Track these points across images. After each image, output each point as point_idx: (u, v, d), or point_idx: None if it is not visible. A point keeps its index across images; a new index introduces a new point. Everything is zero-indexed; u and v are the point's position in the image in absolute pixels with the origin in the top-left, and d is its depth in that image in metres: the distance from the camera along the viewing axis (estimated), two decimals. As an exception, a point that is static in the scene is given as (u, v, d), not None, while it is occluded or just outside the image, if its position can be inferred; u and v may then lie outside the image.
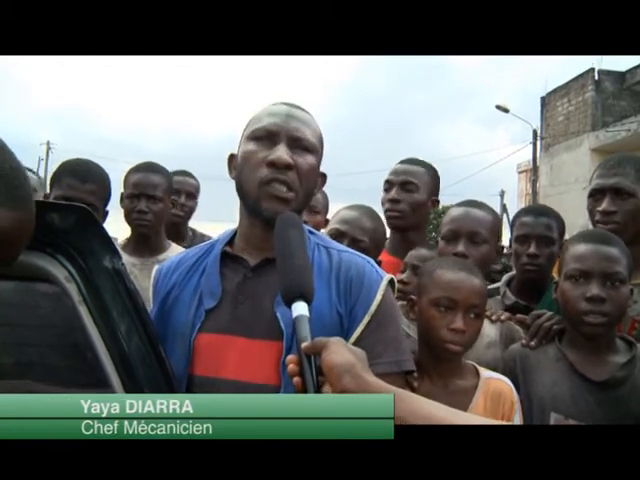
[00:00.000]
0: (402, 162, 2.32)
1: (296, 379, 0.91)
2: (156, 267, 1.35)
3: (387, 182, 2.23)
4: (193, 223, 2.91)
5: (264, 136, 1.20)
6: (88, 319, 0.96)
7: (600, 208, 1.74)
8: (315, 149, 1.25)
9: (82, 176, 1.92)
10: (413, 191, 2.19)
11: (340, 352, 0.88)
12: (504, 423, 0.80)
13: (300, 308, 0.95)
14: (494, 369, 1.57)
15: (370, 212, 1.98)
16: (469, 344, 1.45)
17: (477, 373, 1.48)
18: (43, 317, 1.06)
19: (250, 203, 1.22)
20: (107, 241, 0.97)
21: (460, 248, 1.72)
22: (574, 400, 1.42)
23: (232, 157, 1.30)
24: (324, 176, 1.32)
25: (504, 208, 21.49)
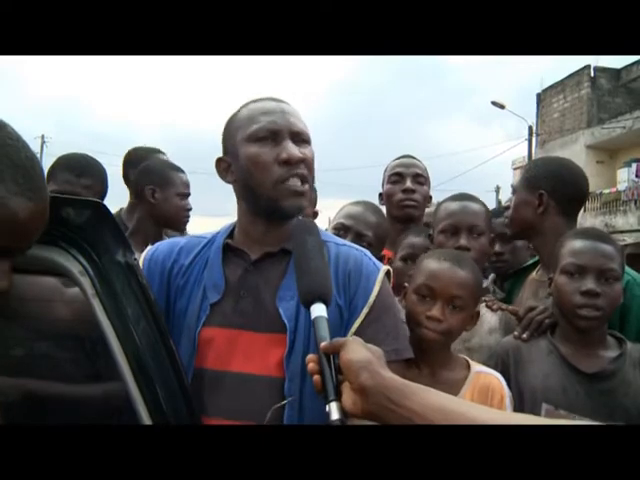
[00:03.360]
0: (405, 157, 2.37)
1: (316, 377, 0.93)
2: (147, 248, 1.34)
3: (397, 174, 2.30)
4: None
5: (267, 136, 1.21)
6: (101, 313, 0.97)
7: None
8: (310, 140, 1.28)
9: (78, 171, 1.91)
10: (423, 183, 2.30)
11: (357, 350, 0.91)
12: (525, 417, 0.82)
13: (319, 310, 0.97)
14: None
15: (374, 208, 2.03)
16: (449, 334, 1.46)
17: (468, 367, 1.49)
18: (56, 311, 1.07)
19: (266, 204, 1.22)
20: (120, 236, 0.98)
21: (462, 241, 1.76)
22: (565, 391, 1.45)
23: (221, 161, 1.29)
24: None
25: (499, 204, 21.56)
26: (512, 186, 1.88)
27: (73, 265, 0.96)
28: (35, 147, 26.75)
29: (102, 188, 2.01)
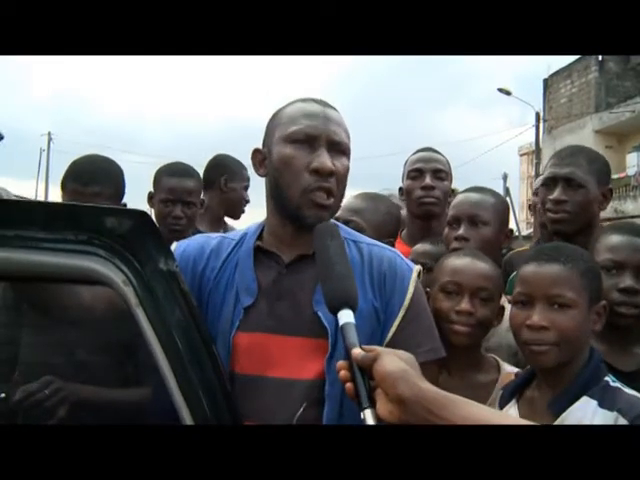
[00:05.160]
0: (425, 150, 2.32)
1: (348, 385, 0.93)
2: (176, 245, 1.32)
3: (417, 170, 2.23)
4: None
5: (304, 140, 1.20)
6: (144, 322, 0.97)
7: (552, 197, 1.77)
8: (349, 150, 1.26)
9: (85, 179, 1.82)
10: (444, 179, 2.23)
11: (391, 360, 0.90)
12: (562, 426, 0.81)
13: (346, 316, 0.97)
14: (516, 352, 1.58)
15: (366, 195, 1.99)
16: (480, 328, 1.47)
17: (498, 367, 1.49)
18: (99, 320, 1.07)
19: (291, 209, 1.21)
20: (162, 244, 0.98)
21: (460, 231, 1.77)
22: None
23: (257, 152, 1.29)
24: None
25: (507, 191, 21.40)
26: (573, 179, 1.76)
27: (116, 275, 0.95)
28: (42, 144, 26.75)
29: (116, 190, 1.90)
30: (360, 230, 1.62)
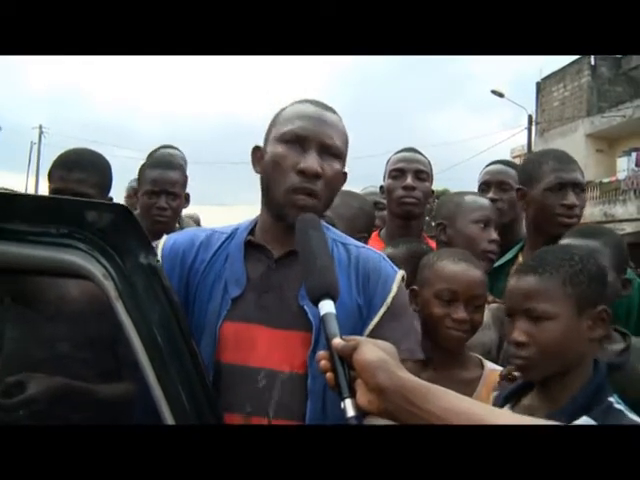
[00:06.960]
0: (408, 150, 2.34)
1: (329, 375, 0.93)
2: (165, 238, 1.33)
3: (398, 170, 2.25)
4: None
5: (294, 140, 1.21)
6: (124, 315, 0.97)
7: (567, 202, 1.84)
8: (343, 154, 1.27)
9: (70, 166, 1.82)
10: (425, 179, 2.26)
11: (371, 350, 0.90)
12: (547, 423, 0.81)
13: (327, 306, 0.98)
14: (489, 350, 1.64)
15: (340, 192, 2.05)
16: (472, 333, 1.49)
17: (482, 365, 1.51)
18: (79, 313, 1.08)
19: (275, 207, 1.24)
20: (143, 238, 0.98)
21: (495, 235, 1.87)
22: None
23: (257, 149, 1.31)
24: (345, 174, 1.33)
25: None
26: (580, 184, 1.88)
27: (97, 268, 0.96)
28: (33, 137, 26.44)
29: (102, 180, 1.89)
30: (331, 225, 1.65)
